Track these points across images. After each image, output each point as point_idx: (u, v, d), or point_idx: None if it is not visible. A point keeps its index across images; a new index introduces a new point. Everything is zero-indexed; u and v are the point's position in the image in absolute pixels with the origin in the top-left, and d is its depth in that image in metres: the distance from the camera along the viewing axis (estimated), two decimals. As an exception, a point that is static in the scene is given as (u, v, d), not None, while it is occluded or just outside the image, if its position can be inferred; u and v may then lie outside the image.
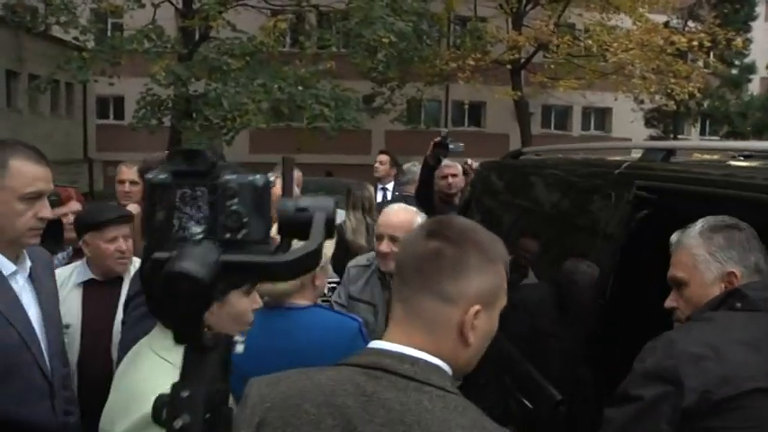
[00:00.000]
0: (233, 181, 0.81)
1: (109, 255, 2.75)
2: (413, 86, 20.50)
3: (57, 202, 3.40)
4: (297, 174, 4.34)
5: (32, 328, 1.97)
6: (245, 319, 1.60)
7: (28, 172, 1.88)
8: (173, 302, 0.72)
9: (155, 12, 15.20)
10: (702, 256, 1.77)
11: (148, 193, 0.82)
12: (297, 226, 0.82)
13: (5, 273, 1.94)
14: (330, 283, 3.21)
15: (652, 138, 24.15)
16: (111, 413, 1.44)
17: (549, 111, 25.32)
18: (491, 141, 21.72)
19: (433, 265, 1.14)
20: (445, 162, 5.05)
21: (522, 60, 20.31)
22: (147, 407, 1.30)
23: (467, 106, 22.06)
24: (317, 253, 0.78)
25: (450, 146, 4.26)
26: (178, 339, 0.78)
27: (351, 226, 4.21)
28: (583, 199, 2.81)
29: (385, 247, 2.86)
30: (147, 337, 1.53)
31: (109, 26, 18.08)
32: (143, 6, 14.77)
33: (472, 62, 18.50)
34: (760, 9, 25.00)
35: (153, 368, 1.43)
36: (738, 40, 20.06)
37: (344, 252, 3.73)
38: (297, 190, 3.90)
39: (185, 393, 0.77)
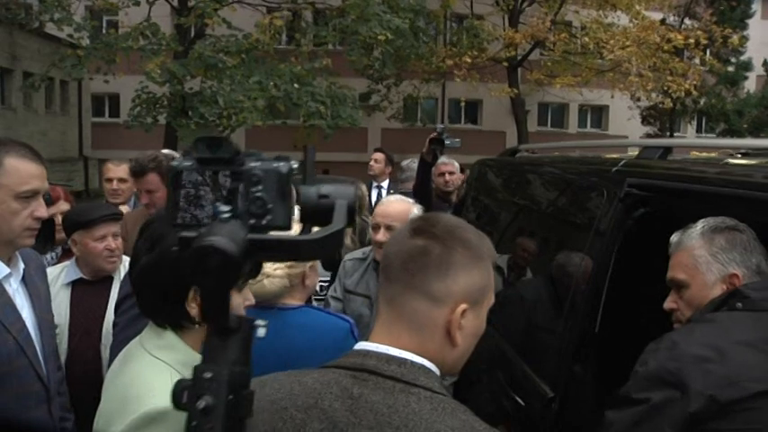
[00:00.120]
0: (257, 168, 0.82)
1: (98, 253, 2.72)
2: (409, 84, 20.50)
3: (49, 201, 3.36)
4: None
5: (28, 333, 1.93)
6: None
7: (23, 170, 1.84)
8: (201, 277, 0.73)
9: (150, 9, 15.12)
10: (704, 257, 1.76)
11: (173, 180, 0.83)
12: (319, 212, 0.84)
13: None
14: (322, 281, 3.19)
15: (648, 135, 24.20)
16: (105, 414, 1.41)
17: (546, 108, 25.32)
18: (487, 139, 21.73)
19: (419, 264, 1.12)
20: (442, 159, 5.02)
21: (519, 58, 20.30)
22: (143, 407, 1.30)
23: (463, 104, 22.02)
24: (340, 234, 0.80)
25: (447, 141, 4.23)
26: (204, 318, 0.79)
27: None
28: (576, 196, 2.81)
29: (381, 236, 2.89)
30: (139, 337, 1.50)
31: (104, 24, 18.02)
32: (138, 4, 14.68)
33: (469, 59, 18.47)
34: (756, 6, 25.02)
35: (146, 368, 1.41)
36: (735, 38, 20.14)
37: None
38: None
39: (208, 375, 0.77)
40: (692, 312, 1.76)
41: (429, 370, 1.10)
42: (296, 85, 13.64)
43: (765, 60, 24.82)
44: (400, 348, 1.11)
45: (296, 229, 0.83)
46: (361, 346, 1.15)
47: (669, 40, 18.07)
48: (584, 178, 2.73)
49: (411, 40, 16.36)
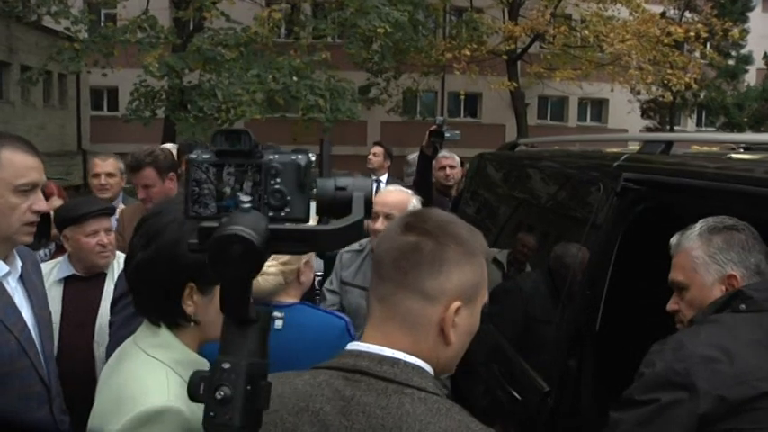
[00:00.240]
0: (276, 161, 0.83)
1: (90, 249, 2.69)
2: (408, 77, 20.45)
3: (45, 195, 3.33)
4: None
5: (29, 333, 1.89)
6: None
7: (20, 163, 1.79)
8: (223, 267, 0.73)
9: (148, 2, 15.06)
10: (701, 258, 1.76)
11: (191, 173, 0.84)
12: (336, 205, 0.84)
13: None
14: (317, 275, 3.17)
15: (648, 129, 24.15)
16: (100, 414, 1.39)
17: (546, 101, 25.29)
18: (487, 132, 21.69)
19: (411, 261, 1.09)
20: (443, 153, 5.00)
21: (519, 51, 20.25)
22: (138, 407, 1.28)
23: (463, 97, 21.98)
24: (360, 225, 0.81)
25: (447, 134, 4.19)
26: (223, 309, 0.79)
27: None
28: (574, 191, 2.80)
29: (380, 225, 2.87)
30: (134, 336, 1.47)
31: (102, 17, 17.94)
32: (136, -4, 14.64)
33: (468, 53, 18.43)
34: (757, -1, 24.96)
35: (141, 366, 1.38)
36: (735, 31, 20.07)
37: None
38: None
39: (226, 365, 0.77)
40: (694, 313, 1.76)
41: (423, 370, 1.08)
42: (295, 79, 13.60)
43: (766, 53, 24.73)
44: (393, 348, 1.08)
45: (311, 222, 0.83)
46: (354, 346, 1.13)
47: (669, 34, 18.03)
48: (583, 172, 2.72)
49: (410, 33, 16.32)
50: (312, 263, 2.05)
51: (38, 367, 1.88)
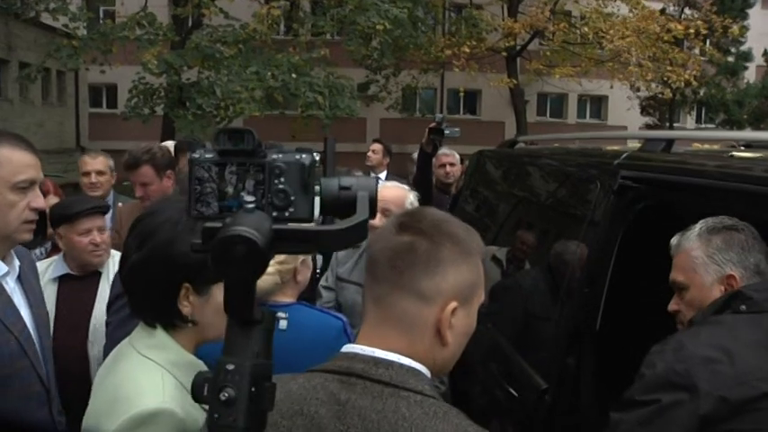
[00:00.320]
0: (280, 160, 0.82)
1: (82, 248, 2.66)
2: (408, 74, 20.44)
3: (42, 193, 3.31)
4: None
5: (29, 333, 1.88)
6: None
7: (17, 159, 1.77)
8: (226, 268, 0.72)
9: (146, -1, 15.04)
10: (701, 258, 1.76)
11: (194, 173, 0.83)
12: (340, 204, 0.84)
13: None
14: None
15: (648, 126, 24.14)
16: (94, 414, 1.37)
17: (545, 98, 25.27)
18: (486, 129, 21.68)
19: (407, 261, 1.07)
20: (443, 150, 4.97)
21: (518, 48, 20.23)
22: (133, 408, 1.27)
23: (462, 94, 21.97)
24: (365, 225, 0.80)
25: (446, 131, 4.17)
26: (227, 310, 0.78)
27: None
28: (573, 188, 2.79)
29: (377, 220, 2.81)
30: (130, 337, 1.46)
31: (101, 14, 17.89)
32: (134, -7, 14.61)
33: (467, 50, 18.41)
34: (756, -4, 24.91)
35: (136, 368, 1.37)
36: (735, 28, 20.06)
37: None
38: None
39: (230, 367, 0.77)
40: (694, 314, 1.76)
41: (419, 372, 1.06)
42: (294, 76, 13.55)
43: (765, 50, 24.73)
44: (389, 350, 1.06)
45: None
46: (349, 348, 1.11)
47: (669, 30, 18.00)
48: (582, 170, 2.71)
49: (409, 30, 16.27)
50: (309, 262, 2.03)
51: (37, 368, 1.87)
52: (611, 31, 18.21)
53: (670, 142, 2.27)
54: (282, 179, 0.82)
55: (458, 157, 5.42)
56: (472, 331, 1.14)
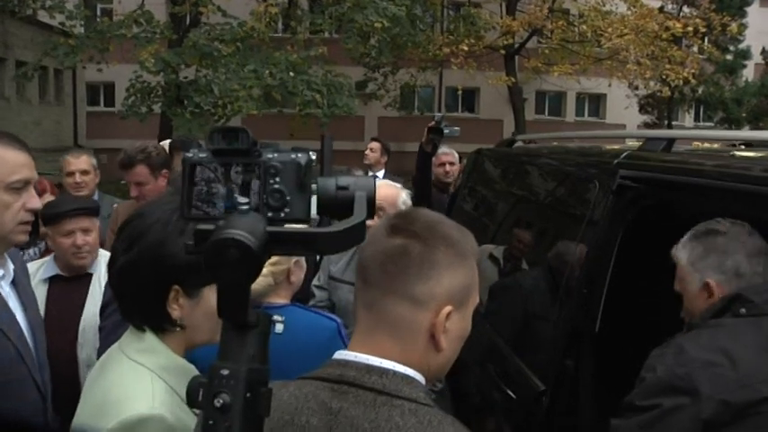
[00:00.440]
0: (275, 159, 0.80)
1: (65, 249, 2.62)
2: (406, 72, 20.41)
3: (37, 192, 3.28)
4: None
5: (25, 339, 1.84)
6: None
7: (11, 159, 1.72)
8: (219, 271, 0.71)
9: (144, -3, 14.99)
10: (686, 268, 1.78)
11: (188, 173, 0.81)
12: (337, 205, 0.82)
13: None
14: None
15: (646, 124, 24.13)
16: (83, 419, 1.35)
17: (543, 96, 25.26)
18: (485, 127, 21.67)
19: (399, 265, 1.03)
20: (443, 149, 4.95)
21: (516, 46, 20.21)
22: (122, 414, 1.24)
23: (460, 92, 21.94)
24: (362, 226, 0.78)
25: (446, 130, 4.14)
26: (221, 314, 0.76)
27: None
28: (572, 188, 2.77)
29: (372, 223, 2.78)
30: (119, 341, 1.43)
31: (98, 12, 17.85)
32: (132, -9, 14.56)
33: (466, 48, 18.40)
34: (755, -6, 24.89)
35: (125, 373, 1.34)
36: (733, 26, 20.04)
37: None
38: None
39: (225, 372, 0.75)
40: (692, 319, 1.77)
41: (413, 379, 1.03)
42: (291, 74, 13.53)
43: (764, 48, 24.72)
44: (382, 357, 1.03)
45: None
46: (341, 355, 1.07)
47: (667, 28, 17.99)
48: (581, 169, 2.69)
49: (408, 28, 16.26)
50: (302, 263, 2.01)
51: (34, 374, 1.83)
52: (610, 29, 18.21)
53: (671, 142, 2.24)
54: (278, 179, 0.80)
55: (457, 156, 5.40)
56: (467, 335, 1.11)
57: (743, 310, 1.62)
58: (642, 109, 24.50)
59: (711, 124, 24.67)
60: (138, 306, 1.36)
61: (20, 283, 1.92)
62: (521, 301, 2.88)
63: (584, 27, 19.27)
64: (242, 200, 0.78)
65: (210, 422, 0.74)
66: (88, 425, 1.30)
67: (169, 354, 1.35)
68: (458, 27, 20.10)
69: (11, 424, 1.77)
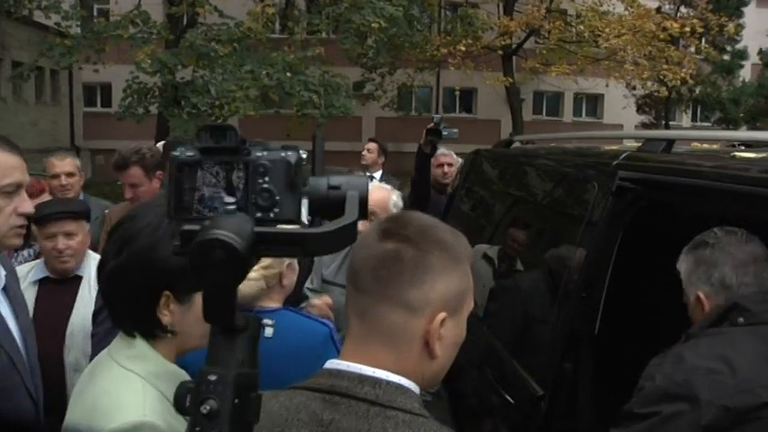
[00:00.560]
0: (264, 158, 0.78)
1: (48, 252, 2.59)
2: (403, 73, 20.40)
3: (36, 192, 3.25)
4: None
5: (17, 346, 1.80)
6: None
7: (2, 162, 1.67)
8: (205, 273, 0.69)
9: (140, -3, 14.96)
10: (684, 281, 1.80)
11: (175, 172, 0.79)
12: (329, 205, 0.80)
13: None
14: None
15: (644, 124, 24.15)
16: (72, 428, 1.31)
17: (541, 97, 25.26)
18: (482, 128, 21.65)
19: (392, 270, 1.00)
20: (441, 150, 4.94)
21: (514, 46, 20.21)
22: (112, 422, 1.21)
23: (458, 93, 21.93)
24: (353, 227, 0.76)
25: (444, 132, 4.13)
26: (207, 317, 0.74)
27: None
28: (570, 189, 2.74)
29: (360, 225, 2.74)
30: (109, 348, 1.40)
31: (95, 12, 17.80)
32: (128, -9, 14.53)
33: (463, 48, 18.40)
34: (752, -6, 24.92)
35: (116, 380, 1.31)
36: (730, 26, 20.06)
37: None
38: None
39: (213, 377, 0.73)
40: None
41: (407, 389, 1.00)
42: (288, 74, 13.50)
43: (761, 49, 24.74)
44: (374, 366, 1.00)
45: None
46: (333, 364, 1.04)
47: (665, 29, 18.00)
48: (579, 170, 2.67)
49: (405, 29, 16.23)
50: (295, 266, 1.98)
51: (26, 381, 1.80)
52: (607, 30, 18.21)
53: (670, 142, 2.21)
54: (267, 178, 0.78)
55: (455, 157, 5.39)
56: (462, 341, 1.08)
57: (741, 320, 1.62)
58: (640, 109, 24.52)
59: (709, 124, 24.70)
60: (128, 312, 1.33)
61: (11, 288, 1.89)
62: (520, 303, 2.85)
63: (582, 27, 19.27)
64: (229, 200, 0.76)
65: (198, 429, 0.72)
66: (82, 424, 1.28)
67: (160, 360, 1.33)
68: (455, 27, 20.07)
69: (3, 431, 1.74)
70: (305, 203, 0.81)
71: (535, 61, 19.87)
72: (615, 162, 2.25)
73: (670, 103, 23.67)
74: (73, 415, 1.35)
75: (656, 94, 21.62)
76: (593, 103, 26.06)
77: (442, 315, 1.01)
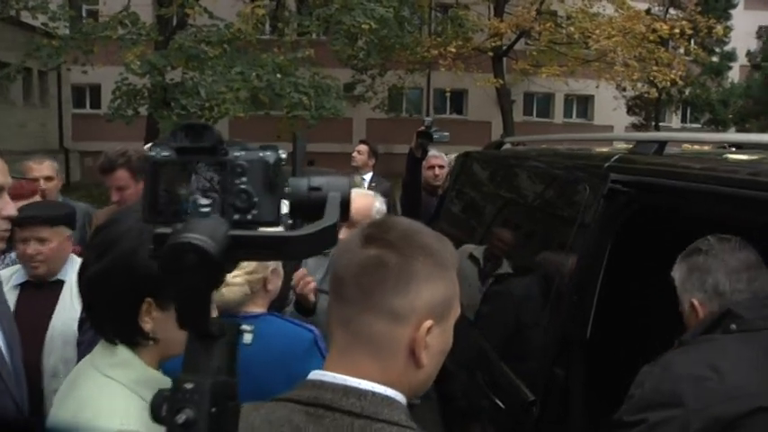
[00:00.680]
0: (242, 158, 0.76)
1: (20, 256, 2.55)
2: (394, 74, 20.41)
3: (29, 193, 3.19)
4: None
5: (1, 353, 1.76)
6: None
7: None
8: (177, 278, 0.67)
9: (129, -2, 14.88)
10: (678, 289, 1.80)
11: (150, 173, 0.76)
12: (309, 206, 0.77)
13: None
14: None
15: (634, 125, 24.27)
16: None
17: (532, 98, 25.31)
18: (473, 129, 21.67)
19: (375, 278, 0.97)
20: (432, 153, 4.94)
21: (504, 48, 20.25)
22: (94, 430, 1.18)
23: (449, 94, 21.95)
24: (333, 229, 0.73)
25: (435, 135, 4.11)
26: (181, 323, 0.71)
27: None
28: (561, 192, 2.73)
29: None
30: (90, 356, 1.37)
31: (84, 13, 17.69)
32: (117, -8, 14.45)
33: (454, 49, 18.44)
34: (740, -4, 25.10)
35: (97, 388, 1.28)
36: (719, 28, 20.20)
37: None
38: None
39: (189, 386, 0.71)
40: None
41: (393, 400, 0.97)
42: (279, 76, 13.46)
43: (749, 51, 24.93)
44: (359, 377, 0.97)
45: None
46: (317, 375, 1.01)
47: (654, 30, 18.10)
48: (570, 173, 2.65)
49: (395, 30, 16.23)
50: (280, 270, 1.95)
51: (13, 392, 1.76)
52: (597, 31, 18.29)
53: (662, 144, 2.20)
54: (245, 179, 0.75)
55: (446, 159, 5.39)
56: (449, 349, 1.05)
57: (733, 326, 1.61)
58: (630, 110, 24.64)
59: (698, 125, 24.83)
60: (108, 318, 1.30)
61: None
62: (512, 307, 2.83)
63: (572, 29, 19.34)
64: (203, 201, 0.74)
65: None
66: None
67: (142, 367, 1.29)
68: (446, 29, 20.11)
69: None
70: (285, 205, 0.79)
71: (526, 63, 19.92)
72: (607, 164, 2.23)
73: (660, 104, 23.80)
74: (53, 424, 1.31)
75: (646, 95, 21.73)
76: (584, 104, 26.16)
77: (428, 323, 0.98)
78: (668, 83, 19.04)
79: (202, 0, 14.50)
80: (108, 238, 1.30)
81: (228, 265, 0.70)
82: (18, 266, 2.68)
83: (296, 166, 0.83)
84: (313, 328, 1.91)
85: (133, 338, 1.29)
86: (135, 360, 1.29)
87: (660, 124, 24.38)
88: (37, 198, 3.38)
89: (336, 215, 0.75)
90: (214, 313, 1.42)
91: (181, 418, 0.69)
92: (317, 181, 0.79)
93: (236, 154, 0.76)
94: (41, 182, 3.84)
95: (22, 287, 2.60)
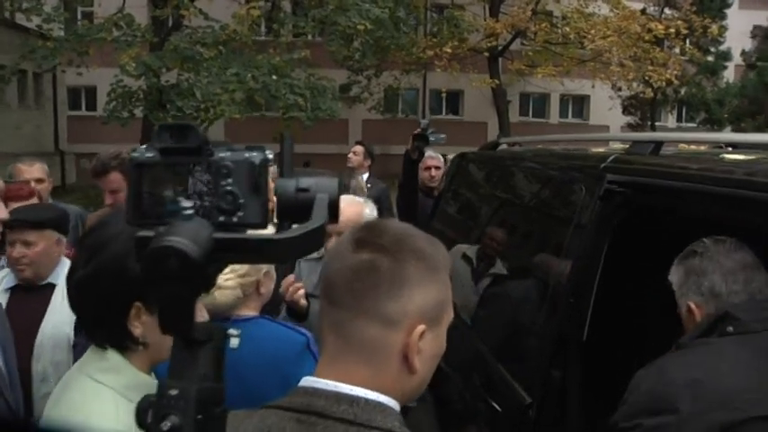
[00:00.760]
0: (227, 159, 0.74)
1: (8, 259, 2.52)
2: (390, 75, 20.40)
3: (26, 196, 3.16)
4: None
5: None
6: None
7: None
8: (160, 282, 0.65)
9: (124, 0, 14.83)
10: (676, 293, 1.78)
11: (134, 174, 0.74)
12: (297, 208, 0.76)
13: None
14: None
15: (629, 125, 24.29)
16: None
17: (527, 98, 25.32)
18: (469, 130, 21.66)
19: (367, 283, 0.95)
20: (428, 154, 4.94)
21: (500, 48, 20.25)
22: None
23: (444, 95, 21.94)
24: (320, 231, 0.72)
25: (431, 137, 4.10)
26: (164, 329, 0.69)
27: None
28: (557, 193, 2.71)
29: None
30: (80, 361, 1.35)
31: (79, 15, 17.65)
32: (113, -6, 14.42)
33: (449, 50, 18.43)
34: (734, -5, 25.14)
35: (88, 394, 1.27)
36: (714, 28, 20.23)
37: None
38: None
39: (174, 392, 0.69)
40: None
41: (386, 407, 0.95)
42: (274, 77, 13.44)
43: (744, 50, 24.97)
44: (351, 383, 0.95)
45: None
46: (308, 382, 0.99)
47: (650, 30, 18.13)
48: (566, 173, 2.64)
49: (391, 31, 16.24)
50: (272, 273, 1.93)
51: (6, 395, 1.74)
52: (593, 31, 18.31)
53: (659, 145, 2.18)
54: (230, 180, 0.73)
55: (443, 160, 5.40)
56: (442, 353, 1.03)
57: (730, 329, 1.59)
58: (625, 110, 24.66)
59: (694, 125, 24.87)
60: (98, 323, 1.28)
61: None
62: (509, 309, 2.81)
63: (568, 29, 19.35)
64: (186, 204, 0.72)
65: None
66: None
67: (133, 371, 1.28)
68: (441, 29, 20.12)
69: None
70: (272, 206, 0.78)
71: (521, 63, 19.93)
72: (603, 165, 2.22)
73: (655, 104, 23.83)
74: (46, 427, 1.29)
75: (641, 95, 21.75)
76: (580, 104, 26.18)
77: (420, 328, 0.96)
78: (664, 83, 19.07)
79: (197, 1, 14.48)
80: (97, 242, 1.28)
81: (212, 268, 0.68)
82: (8, 270, 2.66)
83: (284, 167, 0.81)
84: (306, 331, 1.89)
85: (123, 343, 1.27)
86: (125, 365, 1.28)
87: (656, 124, 24.41)
88: (34, 200, 3.36)
89: (324, 217, 0.74)
90: (205, 317, 1.42)
91: (166, 425, 0.67)
92: (306, 182, 0.77)
93: (222, 155, 0.74)
94: (32, 184, 3.81)
95: (12, 291, 2.57)
